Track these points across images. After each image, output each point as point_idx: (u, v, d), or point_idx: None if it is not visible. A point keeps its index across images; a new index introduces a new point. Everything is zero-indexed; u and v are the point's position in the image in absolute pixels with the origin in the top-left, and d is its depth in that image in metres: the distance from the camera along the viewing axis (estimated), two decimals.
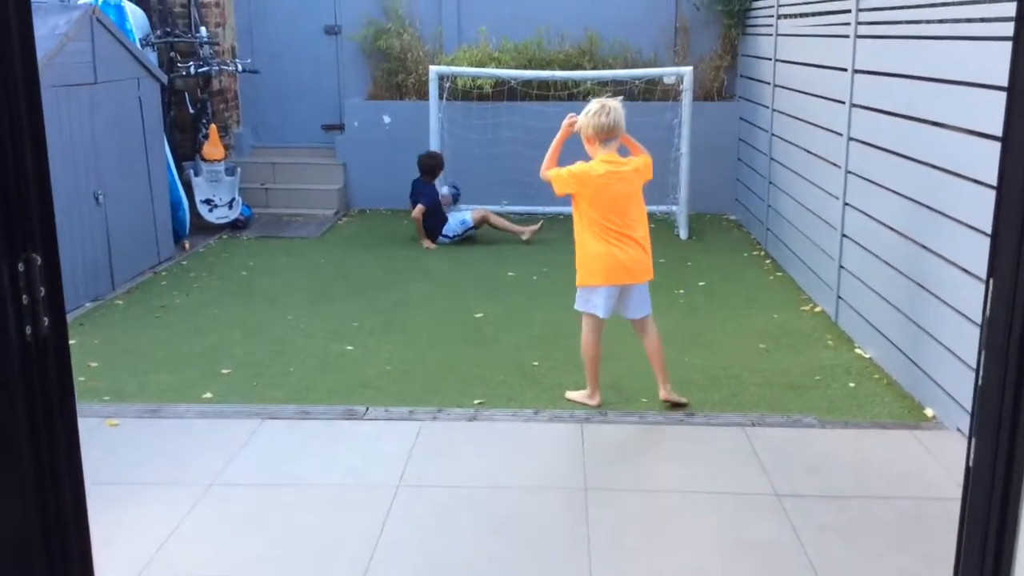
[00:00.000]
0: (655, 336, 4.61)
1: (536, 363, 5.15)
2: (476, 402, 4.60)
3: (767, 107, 7.80)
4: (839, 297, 5.77)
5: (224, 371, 5.01)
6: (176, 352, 5.31)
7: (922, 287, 4.56)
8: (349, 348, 5.39)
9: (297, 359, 5.20)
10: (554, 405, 4.57)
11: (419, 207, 8.00)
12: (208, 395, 4.67)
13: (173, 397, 4.63)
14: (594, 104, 4.51)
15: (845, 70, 5.68)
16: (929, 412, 4.46)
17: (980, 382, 1.63)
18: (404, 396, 4.67)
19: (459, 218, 8.11)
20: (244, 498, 3.63)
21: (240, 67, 8.90)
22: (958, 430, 4.16)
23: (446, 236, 8.05)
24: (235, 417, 4.35)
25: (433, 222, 8.05)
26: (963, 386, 4.07)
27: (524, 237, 8.06)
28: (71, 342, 5.32)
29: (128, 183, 6.79)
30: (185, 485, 3.69)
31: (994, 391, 1.59)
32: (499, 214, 8.37)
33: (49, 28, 5.90)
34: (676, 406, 4.55)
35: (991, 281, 1.59)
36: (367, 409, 4.45)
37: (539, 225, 8.14)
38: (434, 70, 8.41)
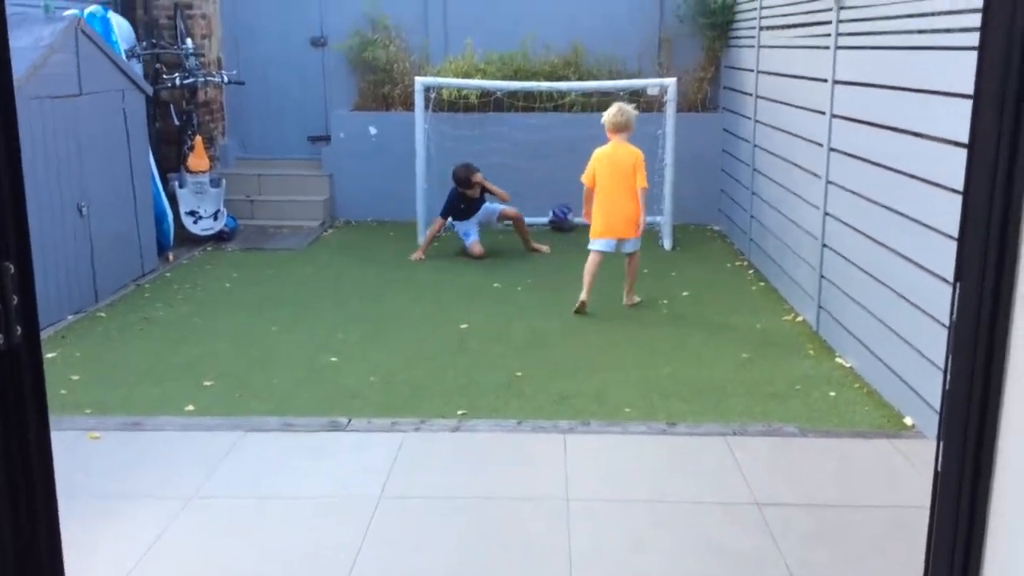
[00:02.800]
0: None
1: (519, 373, 5.16)
2: (459, 412, 4.61)
3: (749, 118, 7.85)
4: (820, 306, 5.81)
5: (207, 383, 4.99)
6: (159, 364, 5.29)
7: (900, 295, 4.59)
8: (333, 359, 5.38)
9: (281, 371, 5.19)
10: (537, 415, 4.57)
11: (437, 220, 8.07)
12: (190, 407, 4.65)
13: (155, 410, 4.62)
14: (614, 106, 6.45)
15: (825, 81, 5.73)
16: (908, 421, 4.49)
17: (947, 386, 1.65)
18: (387, 407, 4.67)
19: (464, 229, 8.12)
20: (224, 511, 3.61)
21: (226, 79, 8.91)
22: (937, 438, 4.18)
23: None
24: (217, 429, 4.34)
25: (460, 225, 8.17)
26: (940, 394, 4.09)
27: (541, 248, 8.15)
28: (52, 355, 5.35)
29: (112, 195, 6.78)
30: (165, 499, 3.68)
31: (961, 395, 1.61)
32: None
33: (34, 39, 5.90)
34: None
35: (958, 285, 1.62)
36: (350, 420, 4.45)
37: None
38: (420, 81, 8.43)
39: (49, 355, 5.38)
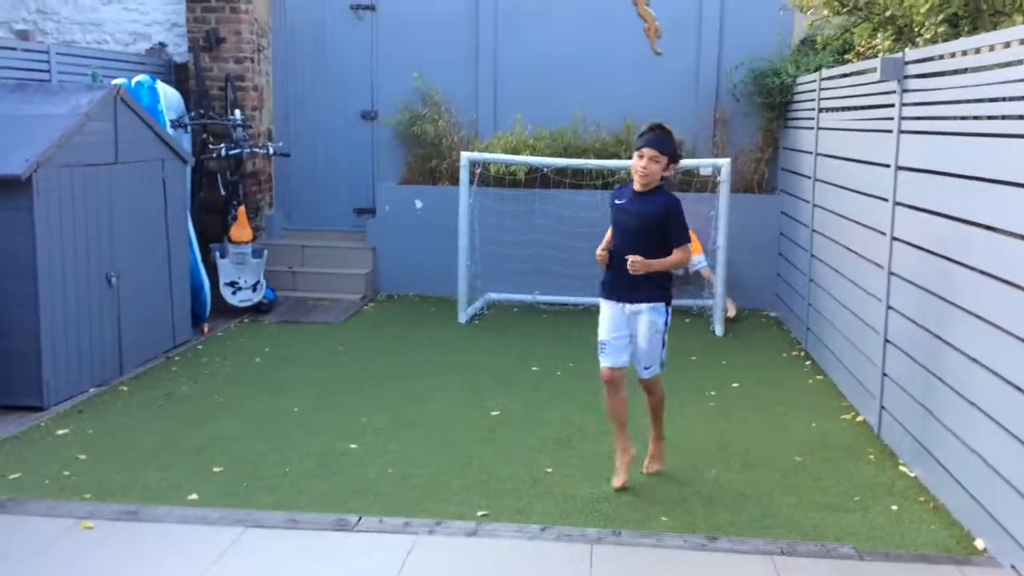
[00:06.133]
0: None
1: (549, 469, 4.79)
2: (479, 514, 4.24)
3: (808, 201, 7.47)
4: (882, 407, 5.34)
5: (216, 469, 4.71)
6: (170, 446, 5.04)
7: (973, 404, 4.13)
8: (352, 446, 5.08)
9: (295, 457, 4.89)
10: (564, 520, 4.18)
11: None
12: (194, 496, 4.37)
13: (157, 498, 4.34)
14: None
15: (888, 166, 5.36)
16: (980, 544, 3.99)
17: None
18: (402, 504, 4.33)
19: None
20: None
21: (272, 150, 8.84)
22: (1012, 567, 3.69)
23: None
24: (217, 523, 4.03)
25: None
26: (1020, 518, 3.62)
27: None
28: (64, 431, 5.15)
29: (145, 265, 6.65)
30: None
31: None
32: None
33: (71, 107, 5.84)
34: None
35: None
36: (360, 519, 4.11)
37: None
38: (465, 156, 8.26)
39: (61, 432, 5.18)
